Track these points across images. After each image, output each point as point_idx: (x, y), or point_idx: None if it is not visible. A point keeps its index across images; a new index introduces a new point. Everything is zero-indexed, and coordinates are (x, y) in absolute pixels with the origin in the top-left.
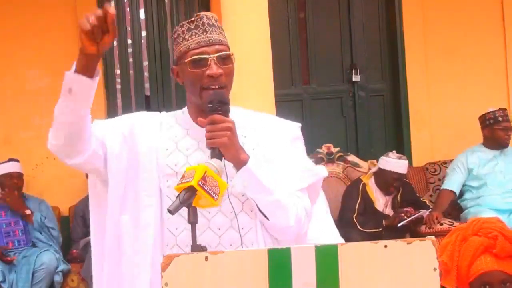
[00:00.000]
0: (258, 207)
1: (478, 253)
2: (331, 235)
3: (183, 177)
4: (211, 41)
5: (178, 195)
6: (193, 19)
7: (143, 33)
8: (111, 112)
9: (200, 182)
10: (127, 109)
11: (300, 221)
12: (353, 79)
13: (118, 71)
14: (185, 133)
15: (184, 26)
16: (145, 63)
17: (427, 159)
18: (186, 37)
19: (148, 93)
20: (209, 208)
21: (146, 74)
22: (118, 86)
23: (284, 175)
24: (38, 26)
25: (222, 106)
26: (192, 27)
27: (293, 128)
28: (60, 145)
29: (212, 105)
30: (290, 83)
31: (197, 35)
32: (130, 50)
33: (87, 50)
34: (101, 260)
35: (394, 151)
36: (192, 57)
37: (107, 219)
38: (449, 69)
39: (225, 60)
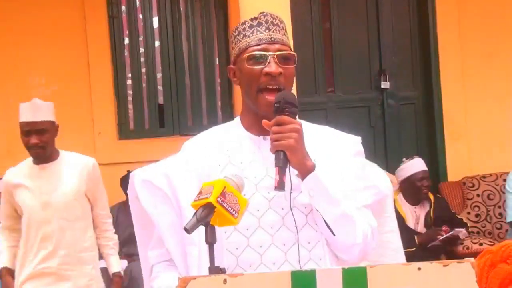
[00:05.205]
0: (325, 221)
1: (506, 282)
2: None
3: (200, 193)
4: (273, 39)
5: (195, 212)
6: (256, 16)
7: (157, 43)
8: (122, 121)
9: (218, 199)
10: (139, 119)
11: (366, 238)
12: (382, 86)
13: (129, 82)
14: (237, 146)
15: (246, 23)
16: (159, 74)
17: (464, 173)
18: (247, 33)
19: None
20: (272, 223)
21: (160, 88)
22: (130, 98)
23: (347, 190)
24: (44, 32)
25: (290, 107)
26: (255, 24)
27: (355, 142)
28: None
29: (279, 105)
30: (314, 90)
31: (259, 32)
32: (142, 59)
33: None
34: None
35: (403, 159)
36: (251, 53)
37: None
38: (487, 76)
39: (287, 60)
